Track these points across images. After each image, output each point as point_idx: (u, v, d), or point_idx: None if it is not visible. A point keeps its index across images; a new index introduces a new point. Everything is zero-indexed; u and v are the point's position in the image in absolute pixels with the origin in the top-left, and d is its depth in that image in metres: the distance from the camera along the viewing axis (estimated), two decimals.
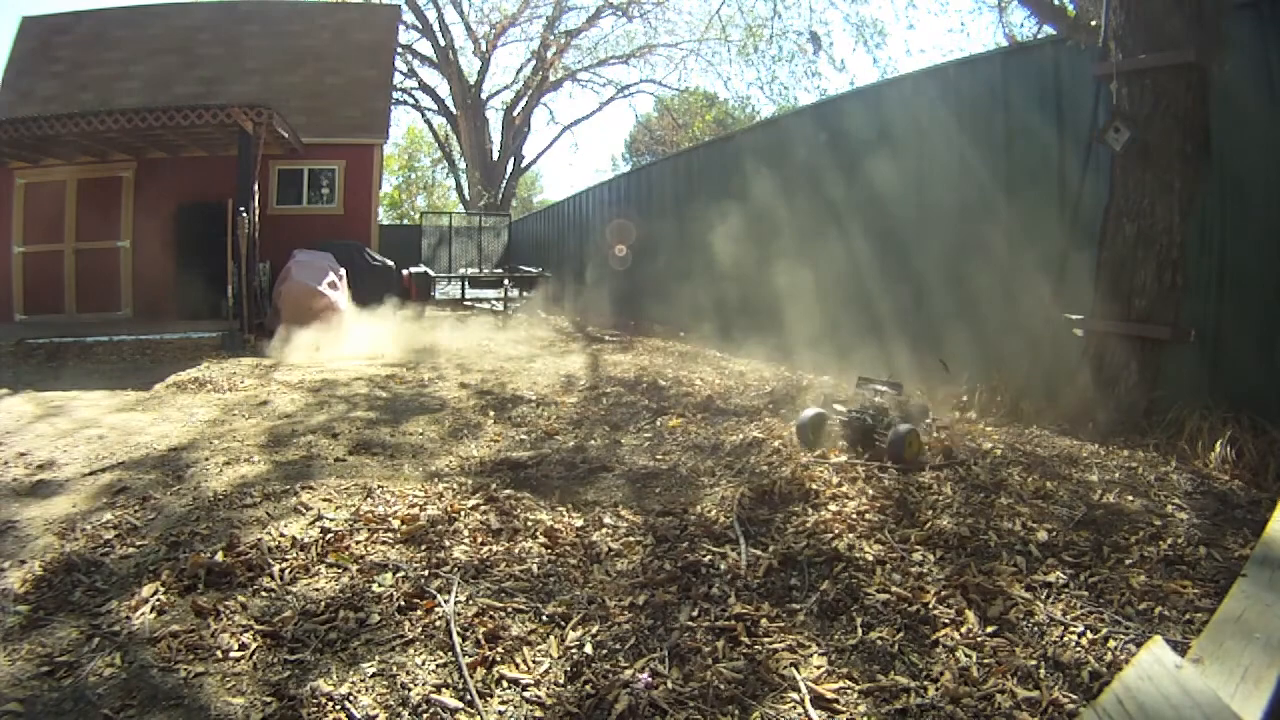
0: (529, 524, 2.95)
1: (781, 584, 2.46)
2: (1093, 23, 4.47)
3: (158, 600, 2.35)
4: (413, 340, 9.28)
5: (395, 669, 1.99)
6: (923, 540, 2.66)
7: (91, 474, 3.61)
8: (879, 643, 2.08)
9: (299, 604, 2.33)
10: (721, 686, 1.89)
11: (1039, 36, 7.59)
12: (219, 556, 2.61)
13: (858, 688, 1.90)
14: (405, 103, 28.00)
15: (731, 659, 2.00)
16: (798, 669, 1.97)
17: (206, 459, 3.82)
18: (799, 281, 7.37)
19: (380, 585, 2.43)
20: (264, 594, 2.39)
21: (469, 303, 13.40)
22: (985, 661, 1.97)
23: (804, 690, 1.87)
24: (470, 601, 2.33)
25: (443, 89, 27.08)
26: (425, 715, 1.82)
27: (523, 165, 30.14)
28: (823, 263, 7.05)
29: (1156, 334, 3.83)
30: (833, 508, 2.98)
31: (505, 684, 1.94)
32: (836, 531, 2.78)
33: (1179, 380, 3.92)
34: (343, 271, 9.54)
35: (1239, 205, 3.85)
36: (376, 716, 1.81)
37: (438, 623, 2.21)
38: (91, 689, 1.91)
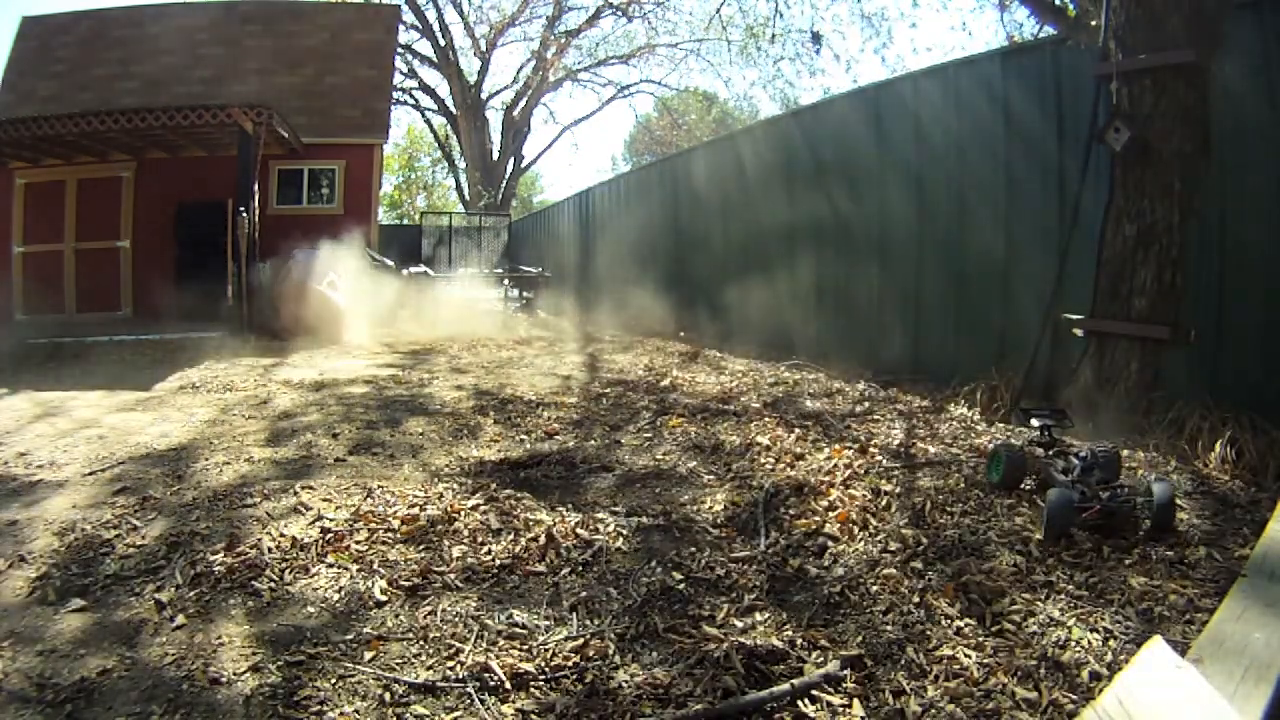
0: (529, 524, 2.95)
1: (781, 577, 2.47)
2: (1093, 23, 4.46)
3: (158, 599, 2.35)
4: (413, 340, 9.27)
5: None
6: (924, 539, 2.66)
7: (91, 474, 3.61)
8: (879, 642, 2.08)
9: (299, 604, 2.33)
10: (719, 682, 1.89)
11: (1039, 36, 7.59)
12: (219, 556, 2.61)
13: (855, 684, 1.89)
14: (405, 103, 28.01)
15: (728, 657, 2.00)
16: (795, 664, 1.97)
17: (206, 459, 3.82)
18: (796, 283, 7.38)
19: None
20: (263, 594, 2.39)
21: (469, 303, 13.39)
22: (985, 661, 1.97)
23: (798, 684, 1.87)
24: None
25: (443, 89, 27.08)
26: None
27: (523, 165, 30.13)
28: (816, 266, 7.05)
29: (1156, 334, 3.83)
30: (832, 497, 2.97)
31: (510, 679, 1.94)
32: (836, 529, 2.79)
33: (1179, 380, 3.92)
34: (343, 271, 9.53)
35: (1239, 205, 3.85)
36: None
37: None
38: (94, 686, 1.91)
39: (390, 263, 11.66)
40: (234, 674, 1.97)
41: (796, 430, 4.27)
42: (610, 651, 2.07)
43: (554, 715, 1.81)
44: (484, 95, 27.15)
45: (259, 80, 12.02)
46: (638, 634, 2.16)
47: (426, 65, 26.63)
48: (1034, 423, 3.29)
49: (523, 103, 27.44)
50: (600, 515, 3.06)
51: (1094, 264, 4.11)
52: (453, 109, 26.90)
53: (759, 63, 26.99)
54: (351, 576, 2.50)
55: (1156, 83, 3.79)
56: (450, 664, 2.02)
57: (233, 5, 13.15)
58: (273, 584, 2.45)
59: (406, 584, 2.45)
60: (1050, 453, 3.10)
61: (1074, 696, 1.81)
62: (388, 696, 1.89)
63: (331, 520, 2.95)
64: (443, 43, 25.19)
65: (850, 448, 3.81)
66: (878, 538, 2.73)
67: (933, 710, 1.79)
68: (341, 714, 1.82)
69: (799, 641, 2.09)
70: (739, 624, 2.21)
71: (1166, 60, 3.73)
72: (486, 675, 1.96)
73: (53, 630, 2.19)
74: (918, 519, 2.86)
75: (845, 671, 1.94)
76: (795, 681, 1.88)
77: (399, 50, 18.22)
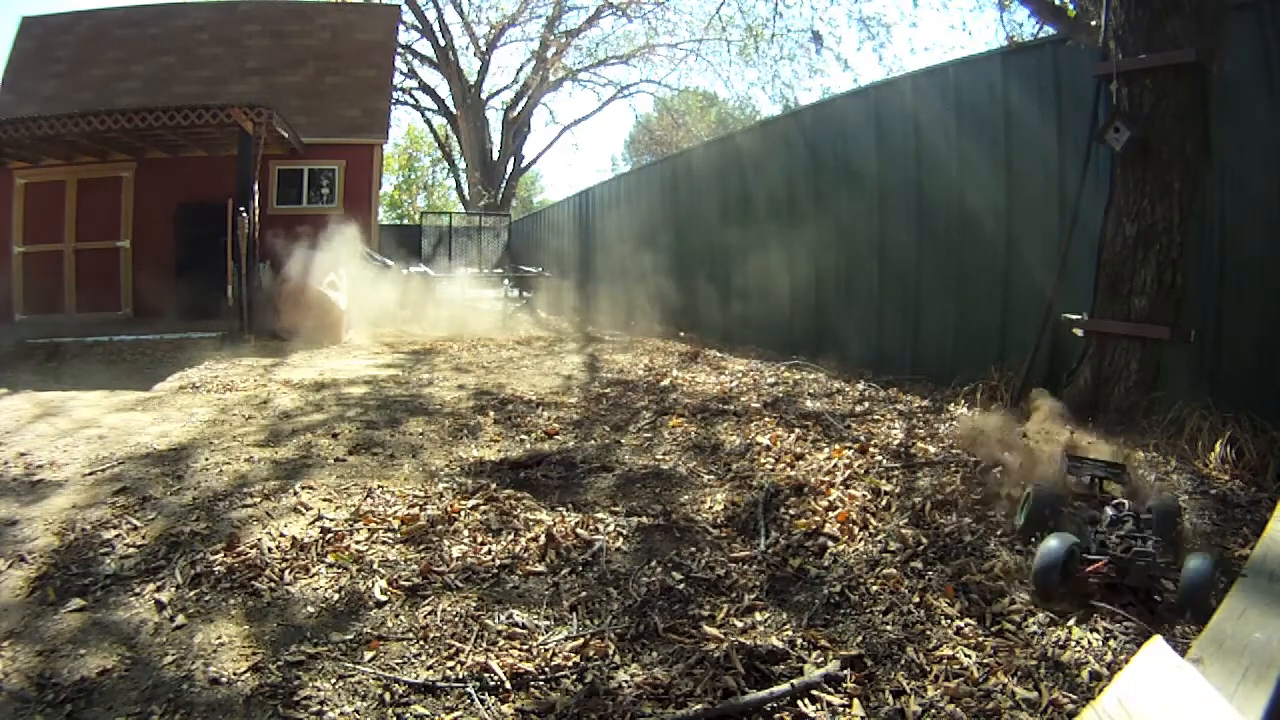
0: (529, 524, 2.95)
1: (781, 577, 2.47)
2: (1093, 23, 4.46)
3: (158, 599, 2.35)
4: (413, 339, 9.28)
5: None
6: (924, 539, 2.66)
7: (91, 474, 3.61)
8: (879, 642, 2.08)
9: (299, 603, 2.33)
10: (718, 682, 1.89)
11: (1039, 36, 7.59)
12: (219, 556, 2.61)
13: (855, 684, 1.89)
14: (405, 103, 27.96)
15: (728, 657, 2.00)
16: (795, 664, 1.97)
17: (206, 458, 3.82)
18: (796, 283, 7.38)
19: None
20: (263, 594, 2.39)
21: (469, 303, 13.41)
22: (985, 661, 1.97)
23: (798, 684, 1.87)
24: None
25: (443, 89, 27.06)
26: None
27: (523, 165, 30.11)
28: (817, 267, 7.05)
29: (1156, 334, 3.83)
30: (831, 498, 2.97)
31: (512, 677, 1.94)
32: (836, 529, 2.79)
33: (1179, 380, 3.92)
34: (343, 271, 9.53)
35: (1239, 205, 3.85)
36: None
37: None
38: (94, 686, 1.91)
39: (390, 262, 11.66)
40: (234, 674, 1.97)
41: (796, 430, 4.27)
42: (610, 651, 2.07)
43: (554, 715, 1.81)
44: (484, 95, 27.13)
45: (259, 80, 12.02)
46: (638, 634, 2.16)
47: (426, 65, 26.62)
48: (1083, 473, 2.75)
49: (523, 103, 27.42)
50: (600, 515, 3.06)
51: (1094, 264, 4.11)
52: (453, 109, 26.88)
53: (758, 63, 27.01)
54: (351, 576, 2.50)
55: (1156, 83, 3.79)
56: (450, 664, 2.02)
57: (233, 5, 13.15)
58: (273, 584, 2.45)
59: (406, 584, 2.45)
60: (1092, 504, 2.61)
61: (1074, 696, 1.81)
62: (388, 696, 1.89)
63: (331, 520, 2.95)
64: (443, 43, 25.17)
65: (850, 448, 3.81)
66: (878, 538, 2.73)
67: (933, 710, 1.79)
68: (341, 714, 1.82)
69: (799, 641, 2.09)
70: (739, 624, 2.21)
71: (1166, 60, 3.72)
72: (486, 675, 1.96)
73: (53, 630, 2.19)
74: (918, 519, 2.86)
75: (845, 671, 1.94)
76: (795, 681, 1.89)
77: (399, 50, 18.22)
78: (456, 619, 2.24)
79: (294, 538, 2.77)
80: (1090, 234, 4.16)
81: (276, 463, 3.78)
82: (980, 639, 2.07)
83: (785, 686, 1.87)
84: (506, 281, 14.59)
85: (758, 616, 2.26)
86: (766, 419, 4.56)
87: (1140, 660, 1.38)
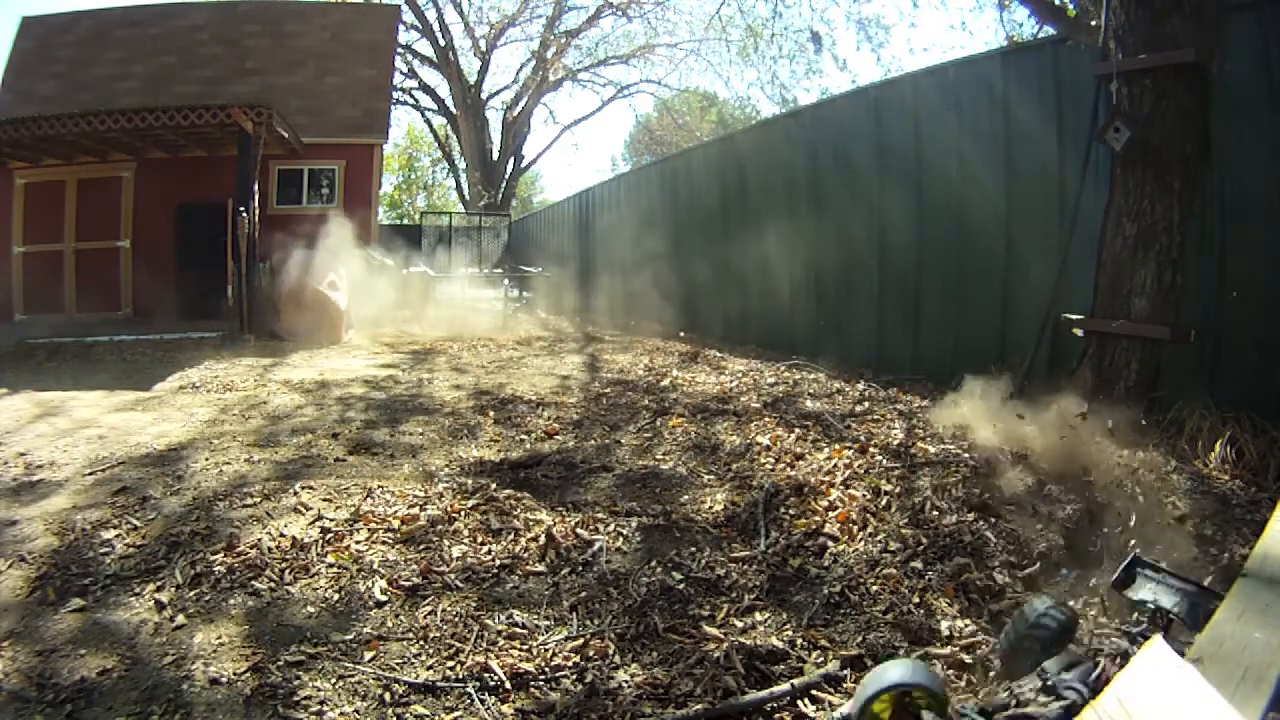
0: (529, 524, 2.95)
1: (781, 577, 2.47)
2: (1093, 23, 4.46)
3: (158, 599, 2.35)
4: (413, 339, 9.28)
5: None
6: (924, 539, 2.66)
7: (91, 474, 3.61)
8: (879, 642, 2.08)
9: (299, 603, 2.33)
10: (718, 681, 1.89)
11: (1039, 36, 7.59)
12: (219, 556, 2.61)
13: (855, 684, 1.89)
14: (405, 103, 27.97)
15: (728, 657, 2.00)
16: (795, 664, 1.97)
17: (206, 459, 3.82)
18: (796, 284, 7.38)
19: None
20: (263, 594, 2.39)
21: (469, 303, 13.41)
22: (985, 661, 1.97)
23: (798, 684, 1.87)
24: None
25: (443, 89, 27.06)
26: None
27: (523, 165, 30.11)
28: (817, 268, 7.05)
29: (1156, 334, 3.83)
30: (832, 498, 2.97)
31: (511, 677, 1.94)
32: (836, 529, 2.79)
33: (1179, 380, 3.91)
34: (343, 271, 9.54)
35: (1239, 205, 3.85)
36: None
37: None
38: (94, 686, 1.91)
39: (390, 262, 11.66)
40: (234, 674, 1.97)
41: (796, 430, 4.26)
42: (610, 651, 2.07)
43: (554, 715, 1.81)
44: (484, 95, 27.14)
45: (259, 80, 12.02)
46: (638, 634, 2.16)
47: (426, 65, 26.61)
48: (1143, 594, 1.76)
49: (523, 103, 27.42)
50: (600, 515, 3.06)
51: (1094, 264, 4.11)
52: (453, 109, 26.88)
53: (758, 63, 27.04)
54: (351, 576, 2.50)
55: (1156, 83, 3.79)
56: (450, 664, 2.02)
57: (233, 5, 13.15)
58: (273, 584, 2.45)
59: (406, 584, 2.45)
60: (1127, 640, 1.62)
61: None
62: (388, 696, 1.89)
63: (331, 520, 2.95)
64: (443, 43, 25.18)
65: (850, 448, 3.81)
66: (878, 538, 2.73)
67: None
68: (341, 714, 1.82)
69: (799, 641, 2.09)
70: (739, 624, 2.21)
71: (1166, 60, 3.72)
72: (486, 675, 1.96)
73: (53, 630, 2.19)
74: (917, 519, 2.86)
75: (845, 671, 1.94)
76: (795, 681, 1.89)
77: (399, 50, 18.21)
78: (456, 619, 2.24)
79: (294, 538, 2.77)
80: (1090, 234, 4.16)
81: (276, 463, 3.78)
82: (980, 639, 2.07)
83: (785, 686, 1.87)
84: (506, 281, 14.60)
85: (758, 616, 2.26)
86: (766, 419, 4.56)
87: (1140, 660, 1.38)
